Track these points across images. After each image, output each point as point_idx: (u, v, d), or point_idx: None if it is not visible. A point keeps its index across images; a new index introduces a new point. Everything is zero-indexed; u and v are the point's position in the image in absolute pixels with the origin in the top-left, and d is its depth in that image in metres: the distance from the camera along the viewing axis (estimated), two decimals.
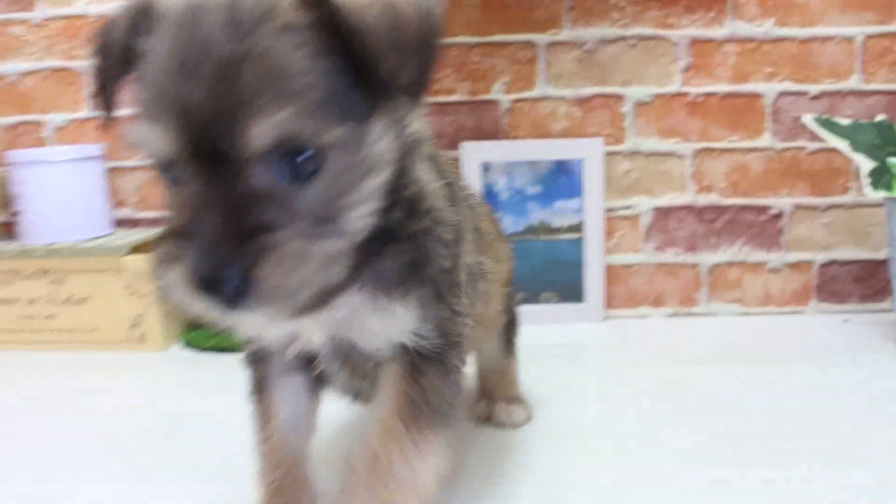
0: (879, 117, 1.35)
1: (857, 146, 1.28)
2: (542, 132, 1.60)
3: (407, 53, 0.51)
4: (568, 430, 1.05)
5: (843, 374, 1.23)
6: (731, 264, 1.62)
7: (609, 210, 1.61)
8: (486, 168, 1.57)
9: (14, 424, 1.16)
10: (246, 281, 0.48)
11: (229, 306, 0.49)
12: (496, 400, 1.08)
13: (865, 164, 1.27)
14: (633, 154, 1.60)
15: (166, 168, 0.54)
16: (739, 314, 1.63)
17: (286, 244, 0.50)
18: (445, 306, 0.66)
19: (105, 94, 0.60)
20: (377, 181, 0.57)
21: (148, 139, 0.52)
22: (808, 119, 1.36)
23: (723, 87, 1.57)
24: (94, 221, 1.61)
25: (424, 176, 0.66)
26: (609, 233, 1.62)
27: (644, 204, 1.61)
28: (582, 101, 1.59)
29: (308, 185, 0.52)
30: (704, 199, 1.60)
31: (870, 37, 1.53)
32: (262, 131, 0.49)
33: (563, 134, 1.60)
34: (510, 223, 1.58)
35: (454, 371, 0.69)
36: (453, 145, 1.59)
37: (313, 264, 0.51)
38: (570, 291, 1.60)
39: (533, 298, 1.59)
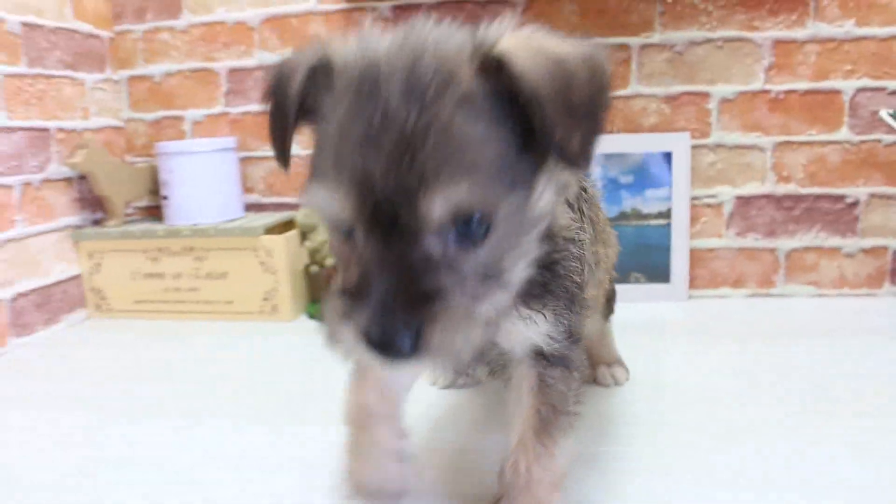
0: None
1: None
2: (634, 127, 1.75)
3: (577, 120, 0.53)
4: (656, 395, 1.20)
5: None
6: (807, 249, 1.74)
7: (694, 198, 1.75)
8: None
9: (164, 381, 1.37)
10: (416, 343, 0.51)
11: (398, 363, 0.53)
12: (598, 364, 1.23)
13: None
14: (718, 147, 1.73)
15: (341, 227, 0.56)
16: (815, 296, 1.76)
17: (455, 308, 0.53)
18: (575, 312, 0.74)
19: (279, 139, 0.62)
20: (537, 236, 0.61)
21: (327, 204, 0.54)
22: (883, 113, 1.48)
23: (803, 85, 1.69)
24: (230, 205, 1.82)
25: (561, 209, 0.70)
26: (694, 219, 1.76)
27: (727, 193, 1.75)
28: (671, 99, 1.73)
29: (477, 248, 0.54)
30: (783, 189, 1.73)
31: None
32: (440, 205, 0.51)
33: (653, 128, 1.74)
34: (605, 210, 1.73)
35: (577, 369, 0.77)
36: None
37: (478, 323, 0.55)
38: (657, 272, 1.75)
39: (623, 278, 1.74)
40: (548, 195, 0.59)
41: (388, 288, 0.51)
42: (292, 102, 0.59)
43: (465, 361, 0.56)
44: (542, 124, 0.52)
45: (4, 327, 1.62)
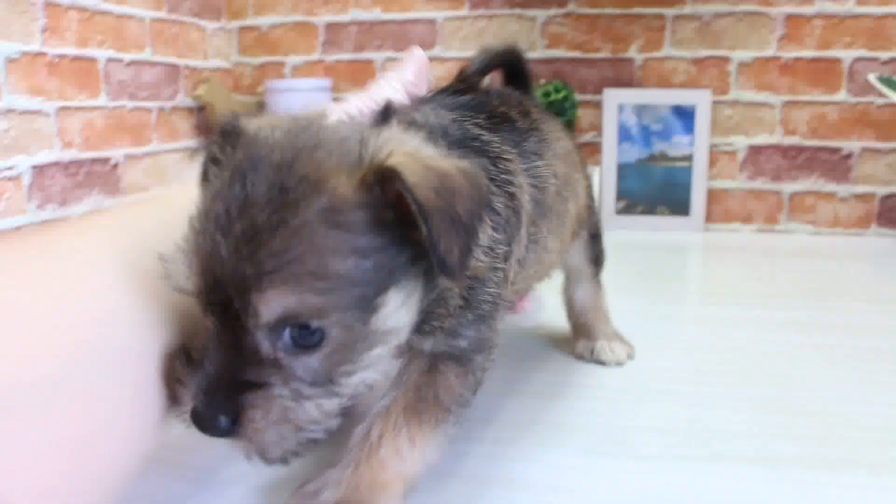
0: None
1: None
2: (665, 83, 2.09)
3: (458, 232, 0.51)
4: (676, 307, 1.51)
5: (889, 270, 1.68)
6: (807, 192, 2.07)
7: (713, 145, 2.08)
8: (621, 108, 2.07)
9: None
10: (231, 427, 0.51)
11: (214, 436, 0.52)
12: (595, 337, 1.04)
13: None
14: (735, 103, 2.06)
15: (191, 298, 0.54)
16: (812, 233, 2.08)
17: (272, 404, 0.51)
18: (487, 326, 0.67)
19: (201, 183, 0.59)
20: (386, 348, 0.56)
21: (174, 271, 0.52)
22: (871, 77, 1.80)
23: (809, 53, 2.00)
24: None
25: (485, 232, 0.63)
26: (712, 163, 2.09)
27: (741, 142, 2.08)
28: (697, 61, 2.06)
29: (307, 354, 0.52)
30: (789, 141, 2.05)
31: None
32: (269, 307, 0.49)
33: (682, 85, 2.08)
34: (637, 152, 2.08)
35: (477, 371, 0.68)
36: (597, 91, 2.09)
37: (294, 423, 0.53)
38: (680, 207, 2.09)
39: (650, 211, 2.09)
40: (401, 313, 0.55)
41: (218, 368, 0.51)
42: (204, 162, 0.59)
43: (275, 458, 0.54)
44: (429, 237, 0.50)
45: None
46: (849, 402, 0.91)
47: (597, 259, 1.04)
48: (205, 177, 0.58)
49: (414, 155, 0.53)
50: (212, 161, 0.57)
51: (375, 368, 0.56)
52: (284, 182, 0.50)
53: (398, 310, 0.54)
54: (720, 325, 1.22)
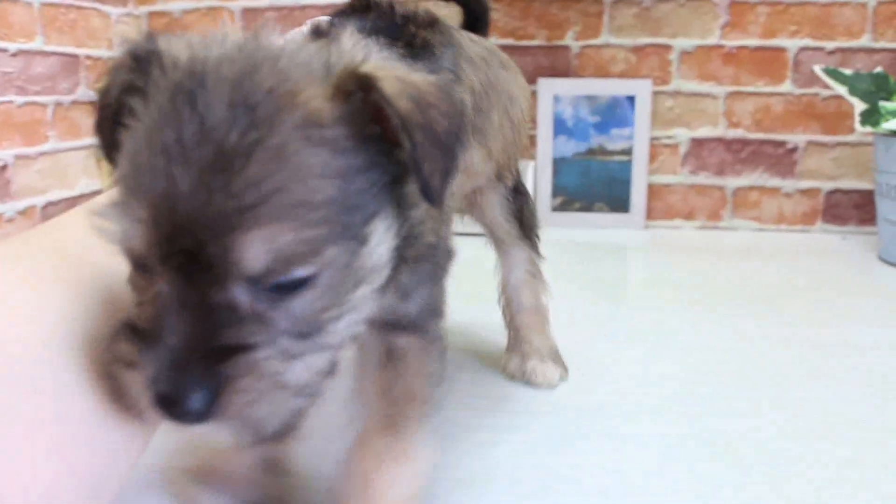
0: (877, 69, 1.69)
1: (853, 91, 1.62)
2: (603, 73, 1.97)
3: (439, 153, 0.46)
4: (613, 310, 1.38)
5: (834, 269, 1.60)
6: (752, 188, 1.98)
7: (654, 138, 1.97)
8: (557, 99, 1.95)
9: None
10: (210, 406, 0.42)
11: (188, 424, 0.43)
12: (529, 356, 0.96)
13: (859, 106, 1.61)
14: (676, 93, 1.96)
15: (135, 260, 0.46)
16: (757, 230, 1.99)
17: (261, 369, 0.43)
18: (437, 288, 0.62)
19: (102, 131, 0.51)
20: (370, 288, 0.49)
21: (114, 227, 0.43)
22: (817, 68, 1.70)
23: (754, 42, 1.91)
24: None
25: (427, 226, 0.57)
26: (653, 157, 1.99)
27: (683, 135, 1.97)
28: (637, 49, 1.95)
29: (294, 301, 0.44)
30: (733, 133, 1.96)
31: (881, 3, 1.86)
32: (256, 251, 0.41)
33: (621, 75, 1.96)
34: (574, 146, 1.96)
35: (436, 340, 0.62)
36: (532, 80, 1.96)
37: (289, 389, 0.44)
38: (619, 203, 1.98)
39: (588, 208, 1.98)
40: (383, 248, 0.49)
41: (184, 337, 0.42)
42: (113, 95, 0.49)
43: (272, 435, 0.45)
44: (412, 155, 0.45)
45: None
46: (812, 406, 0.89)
47: (521, 216, 0.94)
48: (106, 115, 0.49)
49: (384, 65, 0.48)
50: (127, 92, 0.47)
51: (360, 310, 0.49)
52: (248, 97, 0.42)
53: (381, 242, 0.49)
54: (665, 335, 1.15)
